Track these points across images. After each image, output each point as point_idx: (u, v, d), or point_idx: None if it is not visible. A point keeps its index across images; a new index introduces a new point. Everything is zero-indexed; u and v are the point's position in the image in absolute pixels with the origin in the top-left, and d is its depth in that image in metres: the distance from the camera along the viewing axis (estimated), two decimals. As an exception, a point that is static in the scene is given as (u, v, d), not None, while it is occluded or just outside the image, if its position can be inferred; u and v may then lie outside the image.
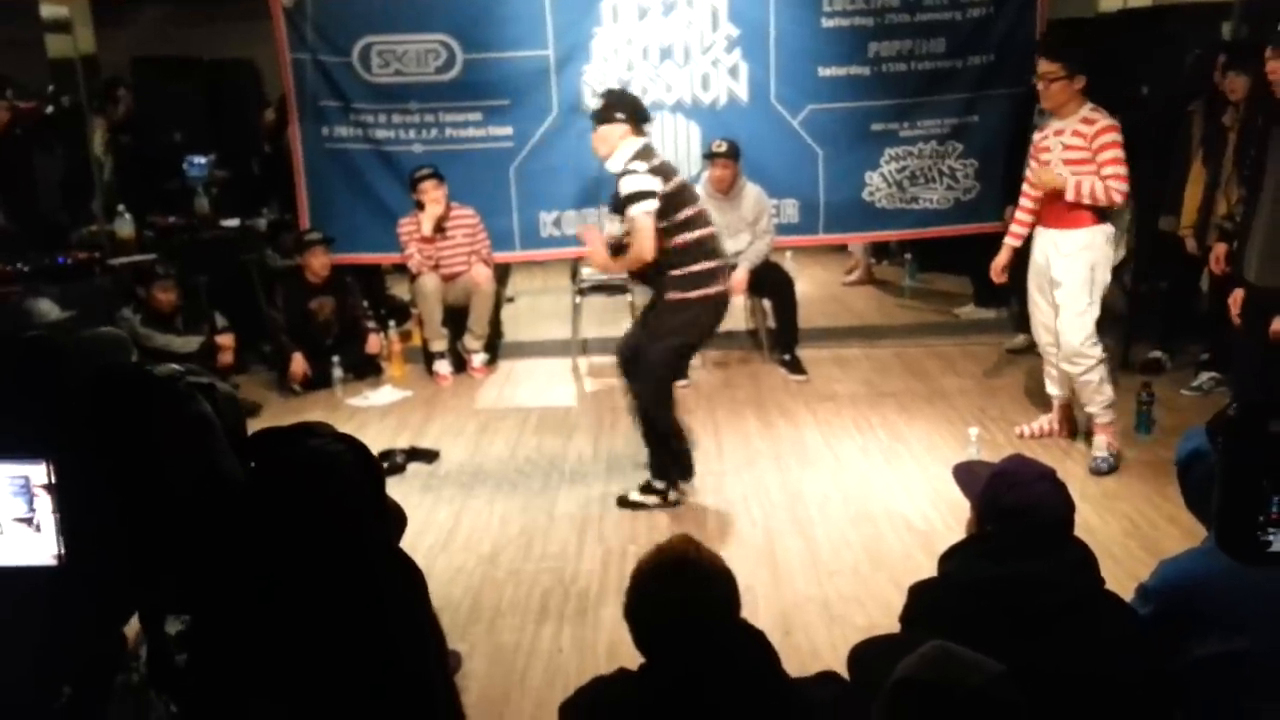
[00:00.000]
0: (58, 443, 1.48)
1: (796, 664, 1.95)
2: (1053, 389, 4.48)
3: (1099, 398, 4.20)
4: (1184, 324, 5.37)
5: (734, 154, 5.47)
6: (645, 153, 3.89)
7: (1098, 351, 4.16)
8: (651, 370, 3.92)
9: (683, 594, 1.73)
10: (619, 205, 3.91)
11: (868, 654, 2.04)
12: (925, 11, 5.67)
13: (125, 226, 5.95)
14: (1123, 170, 3.98)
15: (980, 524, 2.07)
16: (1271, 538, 1.78)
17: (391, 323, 6.22)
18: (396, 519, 1.87)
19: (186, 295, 5.48)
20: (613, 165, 3.89)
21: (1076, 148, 4.04)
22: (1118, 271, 5.73)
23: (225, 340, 5.47)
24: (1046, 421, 4.56)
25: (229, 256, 6.17)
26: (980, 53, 5.71)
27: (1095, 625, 1.87)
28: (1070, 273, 4.12)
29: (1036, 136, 4.31)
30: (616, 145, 3.89)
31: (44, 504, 1.50)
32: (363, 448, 1.74)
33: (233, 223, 6.44)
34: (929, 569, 3.59)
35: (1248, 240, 3.96)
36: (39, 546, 1.50)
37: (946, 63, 5.74)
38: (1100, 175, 4.00)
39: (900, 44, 5.71)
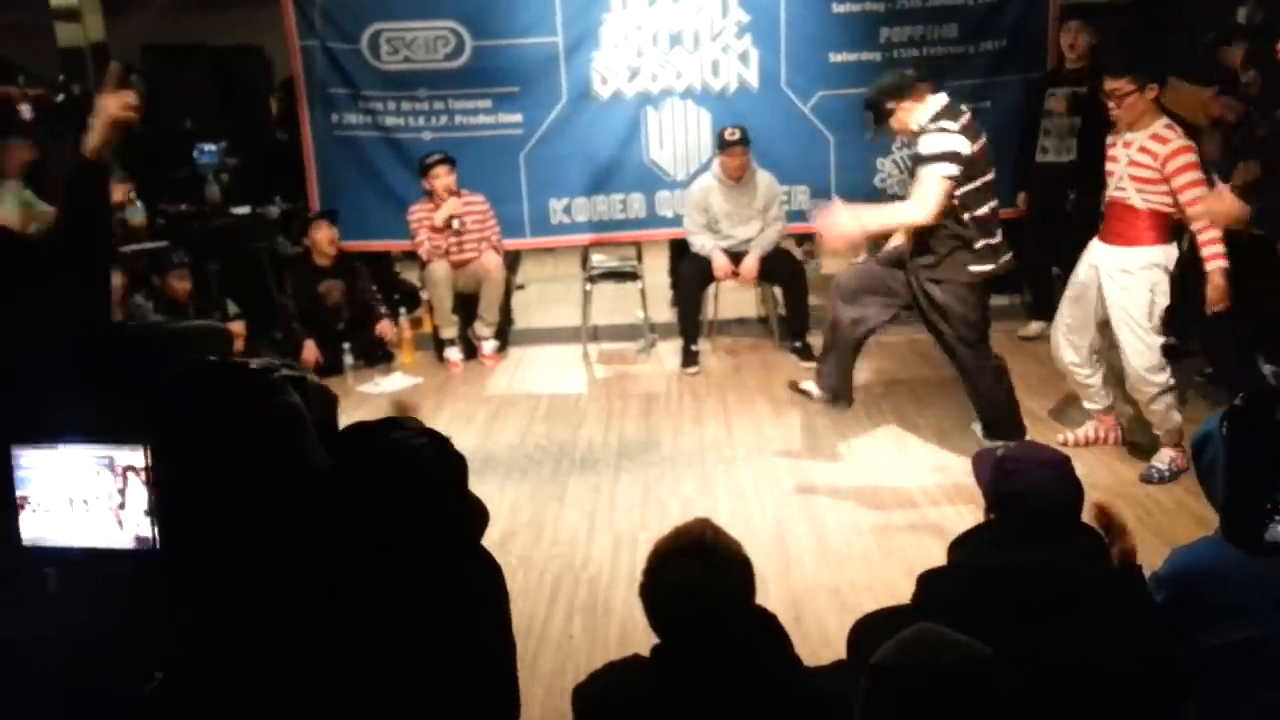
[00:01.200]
0: (154, 427, 1.50)
1: (807, 651, 1.94)
2: (1091, 404, 4.22)
3: (1167, 425, 3.93)
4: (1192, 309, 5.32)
5: (745, 141, 5.45)
6: (951, 110, 3.82)
7: (1165, 378, 3.88)
8: (974, 363, 4.01)
9: (700, 576, 1.73)
10: (916, 161, 3.84)
11: (863, 632, 2.04)
12: (937, -4, 5.63)
13: (136, 214, 5.96)
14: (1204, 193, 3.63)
15: (988, 512, 2.08)
16: (1277, 528, 1.78)
17: (402, 309, 6.22)
18: (479, 515, 1.89)
19: (197, 283, 5.50)
20: (917, 119, 3.82)
21: (1145, 165, 3.75)
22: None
23: (236, 328, 5.48)
24: (1092, 429, 4.29)
25: (240, 244, 6.18)
26: (993, 38, 5.67)
27: (1103, 614, 1.85)
28: (1131, 295, 3.83)
29: (1110, 139, 3.97)
30: (917, 107, 3.85)
31: (135, 488, 1.52)
32: (445, 442, 1.75)
33: (243, 210, 6.45)
34: (939, 556, 3.58)
35: None
36: (128, 529, 1.53)
37: (959, 48, 5.70)
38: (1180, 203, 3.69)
39: (912, 29, 5.68)
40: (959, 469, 4.16)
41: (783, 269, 5.68)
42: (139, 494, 1.54)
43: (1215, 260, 3.73)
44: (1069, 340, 4.10)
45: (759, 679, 1.72)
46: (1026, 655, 1.53)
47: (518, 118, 5.80)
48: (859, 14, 5.67)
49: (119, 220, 5.90)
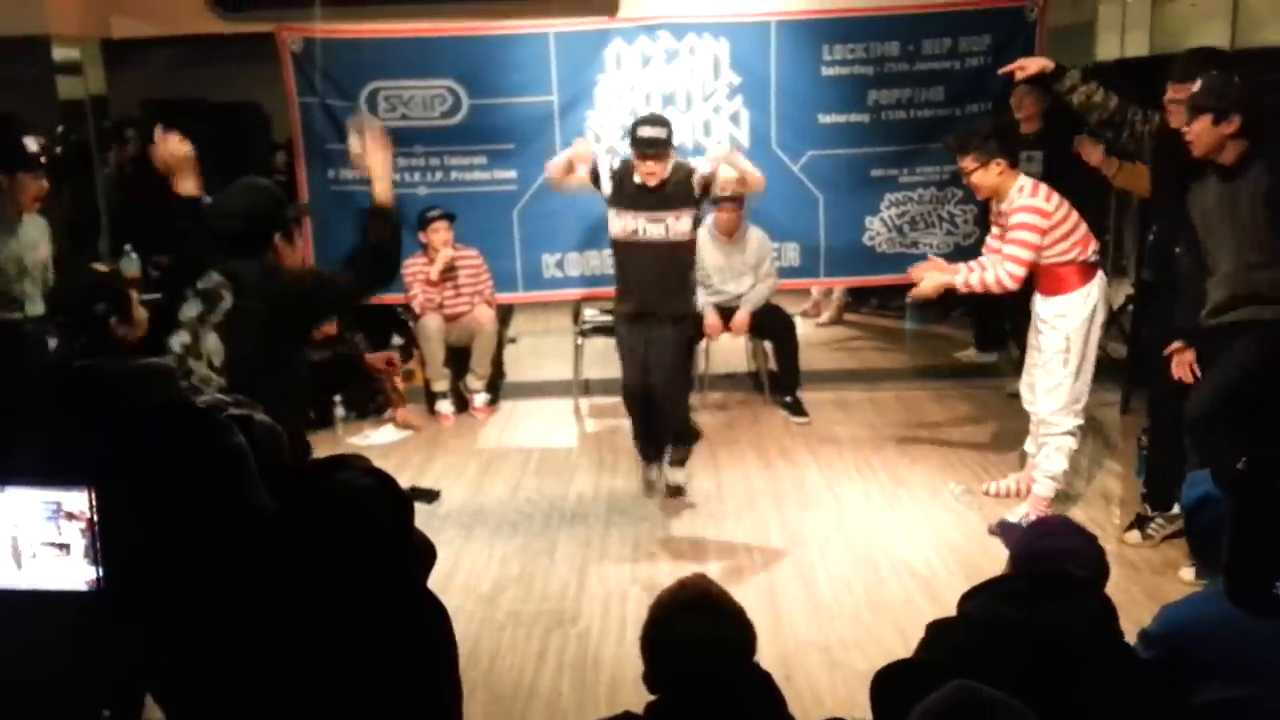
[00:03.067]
0: (99, 471, 1.50)
1: (798, 709, 1.93)
2: (1029, 446, 4.36)
3: (1048, 465, 4.10)
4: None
5: (739, 199, 5.53)
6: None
7: (1068, 423, 4.08)
8: None
9: (704, 630, 1.73)
10: (700, 190, 4.30)
11: (889, 686, 2.00)
12: (924, 60, 5.76)
13: (131, 266, 5.99)
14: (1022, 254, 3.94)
15: (1013, 571, 2.09)
16: None
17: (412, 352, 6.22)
18: (425, 554, 1.87)
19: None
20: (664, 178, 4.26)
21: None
22: (1115, 317, 5.78)
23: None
24: (1014, 481, 4.43)
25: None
26: (978, 100, 5.79)
27: (1110, 678, 1.86)
28: (1048, 344, 4.08)
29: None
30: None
31: (75, 530, 1.52)
32: (391, 482, 1.75)
33: (238, 263, 6.48)
34: (930, 614, 3.58)
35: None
36: (70, 571, 1.52)
37: (945, 110, 5.81)
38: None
39: (899, 92, 5.80)
40: (950, 526, 4.17)
41: (774, 324, 5.73)
42: (84, 537, 1.53)
43: (959, 276, 4.09)
44: (1028, 381, 4.29)
45: None
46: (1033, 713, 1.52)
47: (512, 174, 5.88)
48: (847, 77, 5.79)
49: (114, 273, 5.93)
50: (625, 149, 4.57)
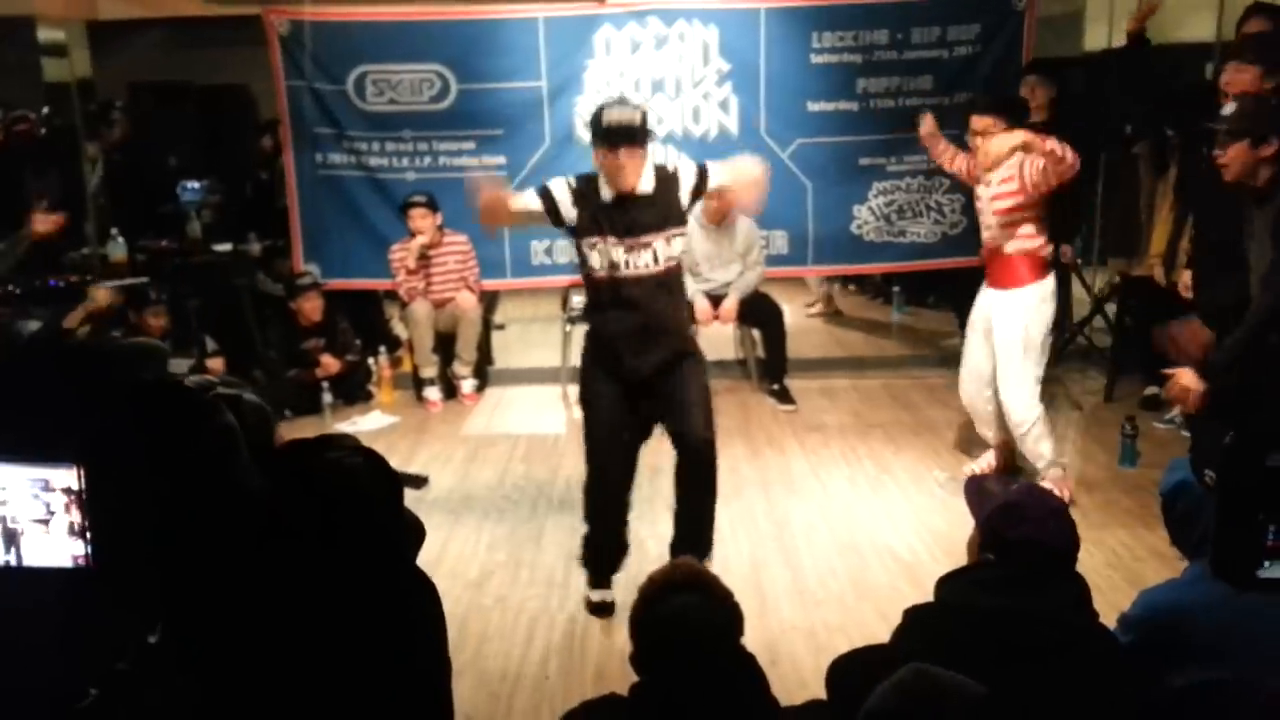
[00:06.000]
0: (89, 448, 1.51)
1: (782, 693, 1.96)
2: (984, 430, 4.44)
3: (1038, 450, 4.14)
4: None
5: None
6: None
7: (1036, 412, 4.10)
8: None
9: (693, 612, 1.75)
10: (687, 202, 3.37)
11: (846, 670, 2.04)
12: (913, 49, 5.77)
13: (117, 250, 5.96)
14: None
15: (982, 550, 2.06)
16: (1267, 565, 1.81)
17: (382, 349, 6.23)
18: (414, 533, 1.89)
19: (177, 319, 5.50)
20: (645, 185, 3.27)
21: (1008, 193, 3.99)
22: (1100, 306, 5.82)
23: (215, 364, 5.47)
24: (986, 463, 4.49)
25: (220, 281, 6.19)
26: (967, 89, 5.80)
27: (1084, 664, 1.87)
28: (1006, 335, 4.09)
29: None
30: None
31: (62, 506, 1.52)
32: (380, 460, 1.75)
33: (225, 247, 6.47)
34: (913, 599, 3.61)
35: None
36: (57, 548, 1.53)
37: (933, 99, 5.81)
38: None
39: (888, 80, 5.81)
40: (934, 512, 4.20)
41: (762, 312, 5.75)
42: (71, 513, 1.54)
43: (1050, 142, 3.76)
44: (973, 369, 4.33)
45: (738, 718, 1.73)
46: (1005, 700, 1.54)
47: (501, 160, 5.87)
48: (836, 65, 5.80)
49: (99, 256, 5.91)
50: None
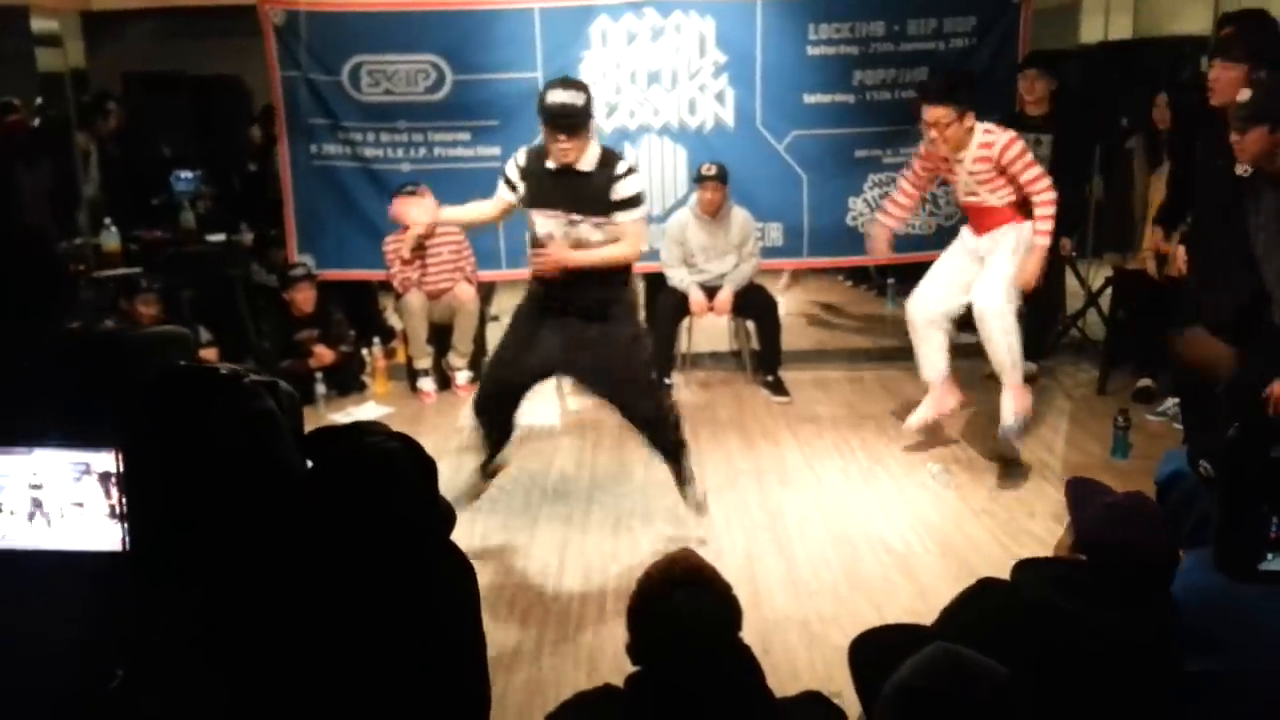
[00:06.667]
0: (129, 433, 1.51)
1: (775, 683, 1.96)
2: (930, 354, 4.51)
3: (1016, 346, 4.27)
4: (1160, 350, 5.44)
5: (723, 177, 5.53)
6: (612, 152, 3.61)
7: (1013, 306, 4.23)
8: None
9: (693, 604, 1.75)
10: (611, 206, 3.49)
11: (871, 647, 2.00)
12: (909, 41, 5.76)
13: (110, 239, 5.96)
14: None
15: (1075, 549, 1.98)
16: (1269, 558, 1.81)
17: (376, 339, 6.23)
18: (447, 515, 1.93)
19: (170, 309, 5.49)
20: (587, 164, 3.45)
21: (984, 171, 4.17)
22: (1094, 299, 5.84)
23: (208, 354, 5.47)
24: (927, 409, 4.60)
25: (214, 271, 6.19)
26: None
27: (1142, 695, 1.77)
28: (1001, 255, 4.23)
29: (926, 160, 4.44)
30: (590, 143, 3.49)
31: (95, 490, 1.53)
32: (417, 446, 1.78)
33: (218, 237, 6.46)
34: (906, 591, 3.64)
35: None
36: (97, 532, 1.54)
37: (929, 91, 5.82)
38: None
39: (884, 73, 5.80)
40: (927, 504, 4.22)
41: (756, 304, 5.75)
42: (110, 497, 1.55)
43: (1040, 237, 4.16)
44: (929, 299, 4.46)
45: (734, 710, 1.74)
46: (1052, 703, 1.50)
47: (496, 150, 5.85)
48: (833, 57, 5.80)
49: (92, 246, 5.90)
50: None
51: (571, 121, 3.33)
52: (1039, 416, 4.82)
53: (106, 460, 1.54)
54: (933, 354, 4.52)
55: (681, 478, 3.90)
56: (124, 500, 1.53)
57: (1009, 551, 3.77)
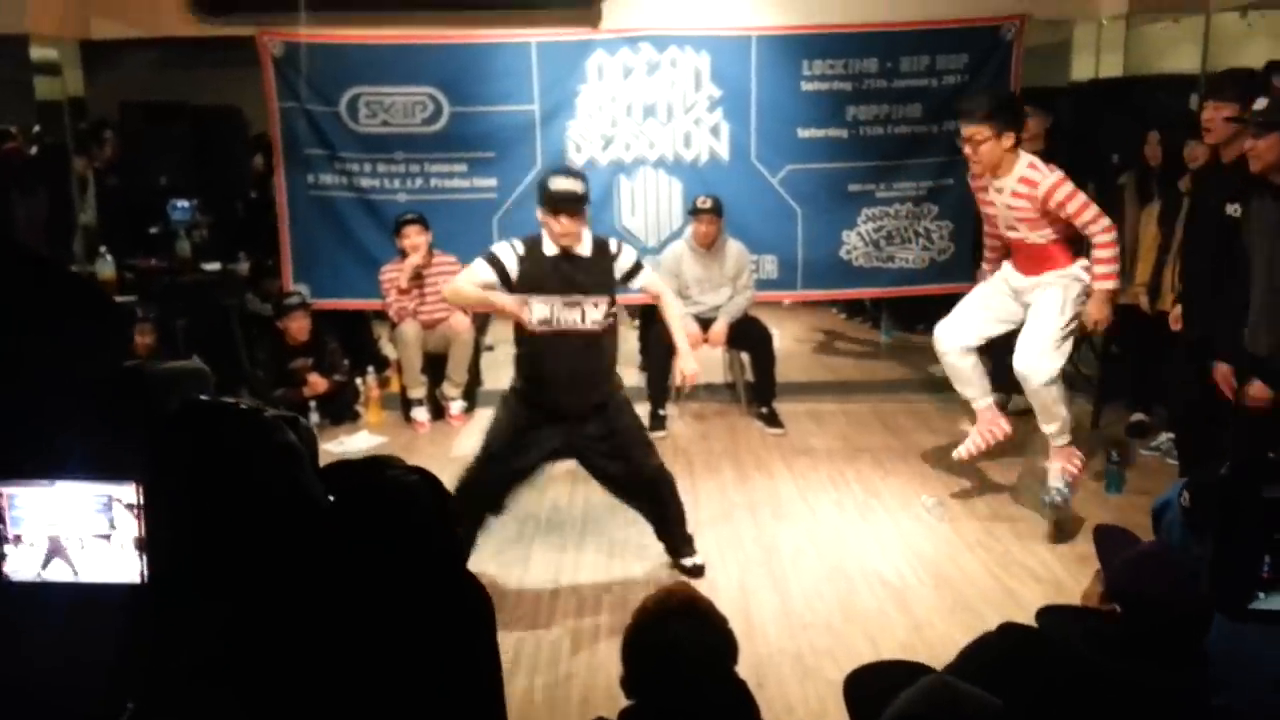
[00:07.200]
0: (153, 466, 1.52)
1: (770, 716, 1.96)
2: (965, 389, 4.38)
3: (1057, 410, 4.07)
4: (1154, 385, 5.46)
5: (718, 210, 5.57)
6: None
7: (1059, 366, 4.03)
8: None
9: (690, 637, 1.75)
10: (619, 282, 3.70)
11: (866, 681, 1.98)
12: (902, 77, 5.83)
13: (105, 268, 5.96)
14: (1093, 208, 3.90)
15: (1106, 599, 1.92)
16: (1261, 598, 1.81)
17: (370, 369, 6.23)
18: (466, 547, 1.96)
19: (164, 337, 5.48)
20: (584, 249, 3.63)
21: (1022, 208, 3.97)
22: (1087, 333, 5.86)
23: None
24: (979, 436, 4.43)
25: (209, 300, 6.18)
26: (955, 119, 5.84)
27: None
28: (1047, 300, 4.03)
29: (977, 181, 4.22)
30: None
31: (127, 523, 1.53)
32: (435, 479, 1.81)
33: (214, 267, 6.47)
34: (901, 624, 3.62)
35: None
36: (116, 563, 1.53)
37: (922, 127, 5.89)
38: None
39: (877, 108, 5.87)
40: (922, 537, 4.21)
41: (751, 336, 5.76)
42: (131, 530, 1.55)
43: (1103, 281, 3.95)
44: (956, 329, 4.29)
45: None
46: None
47: (492, 182, 5.89)
48: (826, 92, 5.86)
49: (87, 274, 5.89)
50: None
51: (576, 206, 3.55)
52: (1030, 447, 4.81)
53: (128, 492, 1.55)
54: (967, 383, 4.38)
55: (682, 539, 3.93)
56: (145, 533, 1.54)
57: (1003, 585, 3.76)
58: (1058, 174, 3.91)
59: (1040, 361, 4.02)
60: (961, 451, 4.49)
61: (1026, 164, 3.93)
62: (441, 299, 5.78)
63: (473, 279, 3.62)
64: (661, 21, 5.85)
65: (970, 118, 3.93)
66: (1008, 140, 3.88)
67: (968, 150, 3.96)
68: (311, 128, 5.82)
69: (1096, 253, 3.94)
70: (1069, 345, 4.12)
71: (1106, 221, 3.91)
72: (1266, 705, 1.81)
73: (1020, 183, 3.93)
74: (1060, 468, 4.17)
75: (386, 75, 5.78)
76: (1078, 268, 4.04)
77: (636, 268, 3.73)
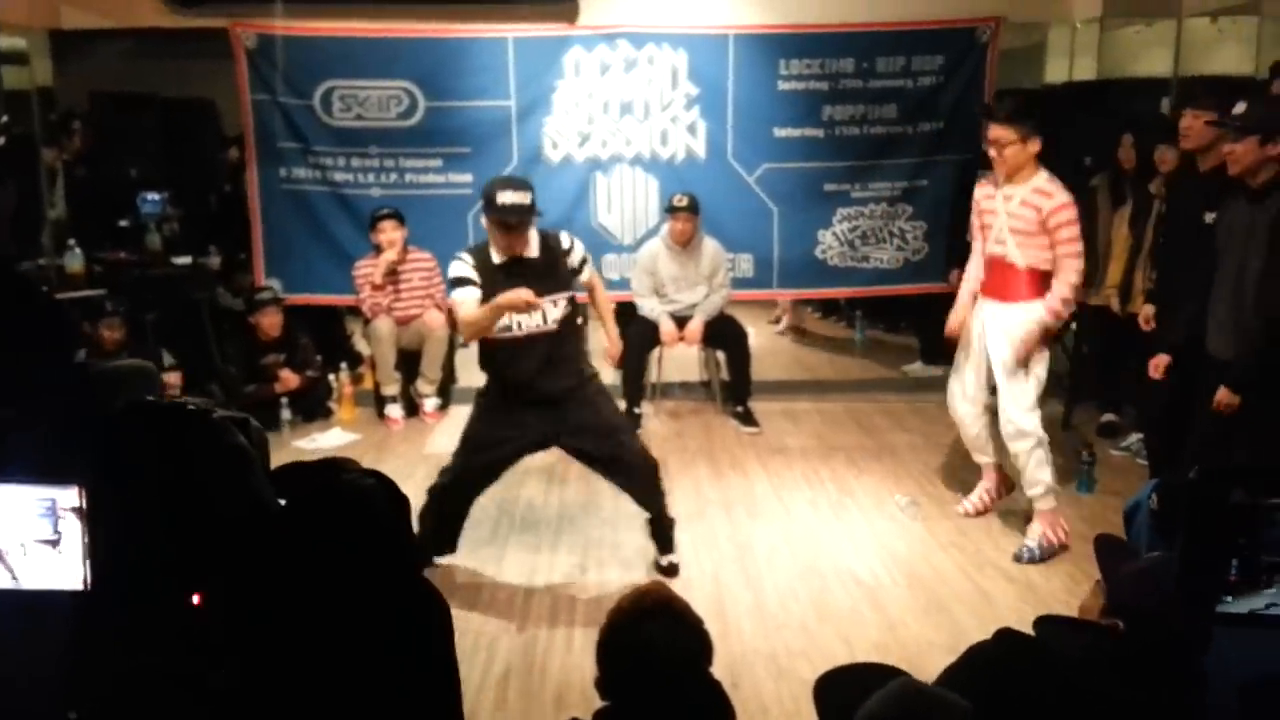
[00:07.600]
0: (90, 470, 1.48)
1: (744, 716, 1.96)
2: (980, 456, 4.35)
3: (1037, 476, 3.99)
4: (1124, 386, 5.52)
5: (694, 209, 5.56)
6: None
7: (1037, 428, 3.96)
8: None
9: (664, 638, 1.74)
10: (570, 276, 3.68)
11: (836, 683, 1.97)
12: (877, 78, 5.85)
13: (74, 261, 5.87)
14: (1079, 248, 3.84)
15: (1107, 613, 1.90)
16: (1228, 601, 1.82)
17: (343, 365, 6.18)
18: (421, 551, 1.93)
19: (134, 332, 5.41)
20: (532, 251, 3.59)
21: (1024, 219, 3.86)
22: (1059, 334, 5.91)
23: (172, 378, 5.38)
24: (984, 492, 4.40)
25: (179, 294, 6.11)
26: (930, 119, 5.89)
27: None
28: (1002, 350, 3.96)
29: (984, 189, 4.09)
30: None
31: (70, 528, 1.49)
32: (391, 483, 1.78)
33: (184, 260, 6.39)
34: (875, 624, 3.63)
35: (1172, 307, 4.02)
36: (63, 570, 1.50)
37: (897, 128, 5.91)
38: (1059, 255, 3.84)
39: (853, 108, 5.88)
40: (895, 536, 4.23)
41: (727, 334, 5.77)
42: (74, 535, 1.51)
43: (1052, 315, 3.88)
44: (963, 394, 4.21)
45: None
46: None
47: (468, 178, 5.85)
48: (803, 92, 5.87)
49: (56, 267, 5.81)
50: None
51: (522, 218, 3.50)
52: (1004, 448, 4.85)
53: (71, 496, 1.51)
54: (974, 445, 4.33)
55: (666, 535, 3.93)
56: (88, 537, 1.50)
57: (976, 584, 3.79)
58: (1068, 197, 3.86)
59: (1016, 420, 3.96)
60: (967, 505, 4.41)
61: (1045, 177, 3.87)
62: (416, 295, 5.75)
63: (470, 304, 3.52)
64: (639, 18, 5.84)
65: (997, 120, 3.88)
66: (1034, 146, 3.83)
67: (992, 153, 3.88)
68: (285, 121, 5.77)
69: (1057, 286, 3.86)
70: (1037, 389, 3.99)
71: (1083, 265, 3.90)
72: (1233, 709, 1.83)
73: (1034, 193, 3.84)
74: (1041, 532, 4.01)
75: (361, 69, 5.73)
76: (1041, 308, 3.90)
77: (583, 263, 3.73)
